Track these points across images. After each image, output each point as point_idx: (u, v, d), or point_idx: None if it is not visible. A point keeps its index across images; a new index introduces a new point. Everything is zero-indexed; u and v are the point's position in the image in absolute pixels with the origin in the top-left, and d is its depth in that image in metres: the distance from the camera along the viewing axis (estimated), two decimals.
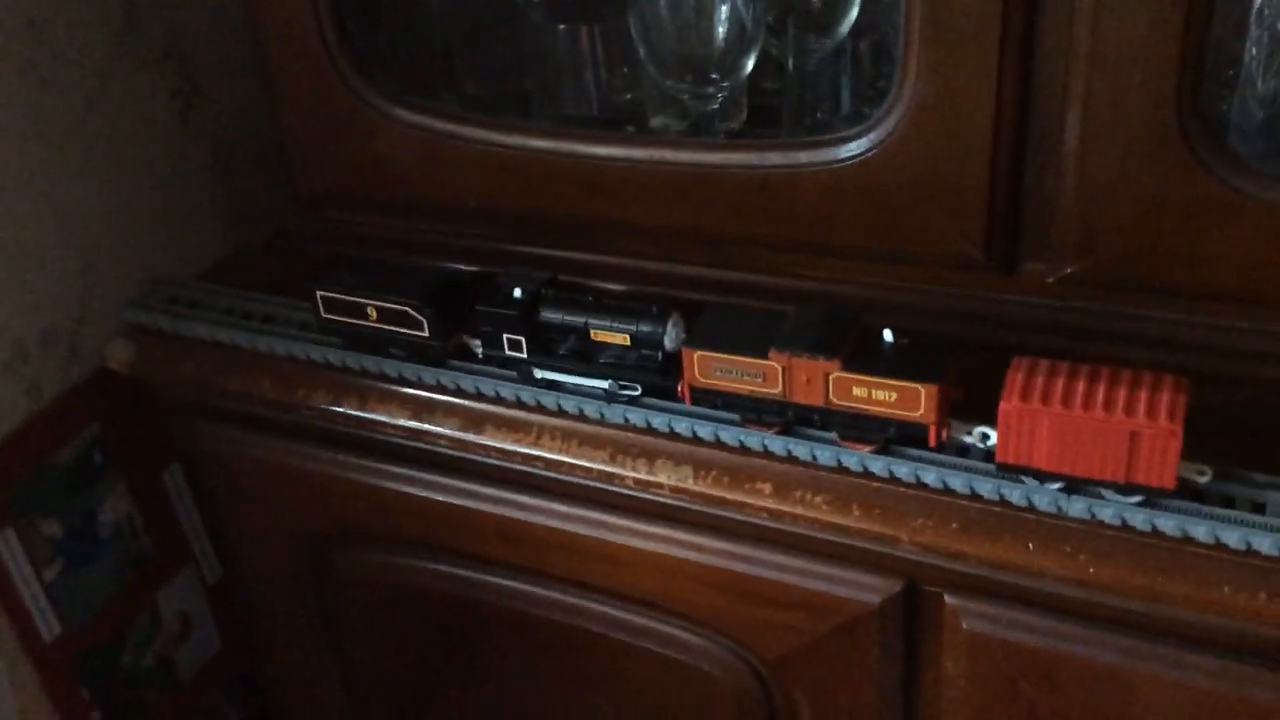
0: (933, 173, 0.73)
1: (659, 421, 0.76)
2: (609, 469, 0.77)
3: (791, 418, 0.72)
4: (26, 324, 0.99)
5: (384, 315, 0.82)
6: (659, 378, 0.76)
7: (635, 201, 0.84)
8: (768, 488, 0.72)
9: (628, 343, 0.76)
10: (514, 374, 0.81)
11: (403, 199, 0.93)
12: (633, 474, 0.76)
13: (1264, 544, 0.63)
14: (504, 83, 1.00)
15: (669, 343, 0.75)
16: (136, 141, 1.05)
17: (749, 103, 0.90)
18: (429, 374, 0.82)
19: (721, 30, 0.83)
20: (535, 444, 0.79)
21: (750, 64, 0.84)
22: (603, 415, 0.77)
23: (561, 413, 0.79)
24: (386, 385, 0.84)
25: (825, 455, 0.72)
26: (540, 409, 0.79)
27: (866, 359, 0.69)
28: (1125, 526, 0.65)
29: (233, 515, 0.99)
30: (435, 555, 0.91)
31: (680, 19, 0.82)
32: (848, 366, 0.69)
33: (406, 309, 0.81)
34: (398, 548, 0.93)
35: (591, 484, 0.79)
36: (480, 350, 0.82)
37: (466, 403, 0.81)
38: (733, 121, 0.90)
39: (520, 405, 0.80)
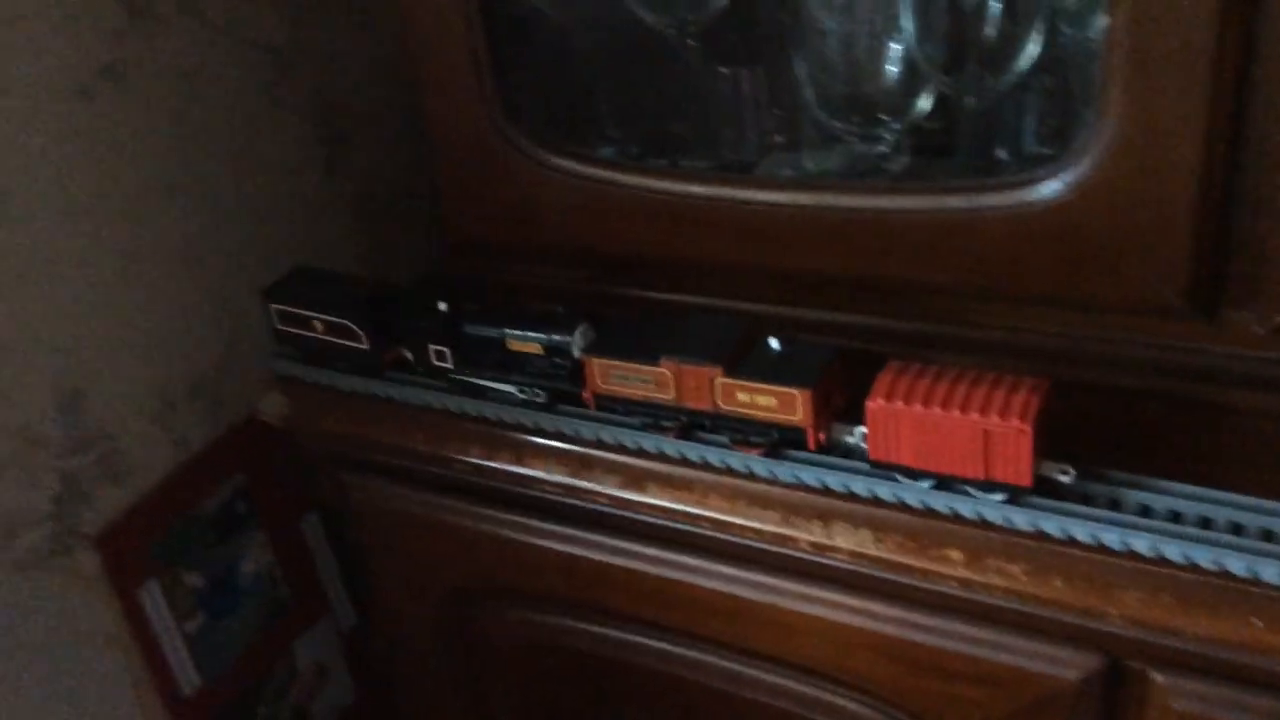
0: (1132, 215, 0.69)
1: (834, 481, 0.72)
2: (781, 531, 0.73)
3: (686, 422, 0.76)
4: (174, 376, 0.98)
5: (329, 328, 0.87)
6: (569, 385, 0.80)
7: (800, 249, 0.81)
8: (958, 555, 0.68)
9: (541, 351, 0.80)
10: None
11: (555, 246, 0.90)
12: (807, 537, 0.72)
13: None
14: (651, 127, 0.98)
15: (576, 350, 0.79)
16: (282, 190, 1.05)
17: (910, 142, 0.86)
18: (588, 428, 0.79)
19: (893, 69, 0.79)
20: (701, 503, 0.76)
21: (923, 103, 0.80)
22: (773, 474, 0.73)
23: (728, 470, 0.75)
24: (543, 440, 0.81)
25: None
26: (706, 466, 0.76)
27: (749, 366, 0.73)
28: None
29: (378, 568, 0.97)
30: (585, 614, 0.88)
31: (851, 58, 0.79)
32: (731, 373, 0.72)
33: (346, 322, 0.86)
34: (546, 605, 0.90)
35: (759, 546, 0.75)
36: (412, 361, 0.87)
37: (627, 459, 0.78)
38: (895, 163, 0.86)
39: (685, 462, 0.76)
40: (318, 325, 0.88)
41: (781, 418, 0.72)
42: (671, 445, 0.76)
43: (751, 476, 0.74)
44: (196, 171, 0.97)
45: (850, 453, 0.73)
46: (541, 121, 0.92)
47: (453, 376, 0.84)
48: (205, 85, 0.96)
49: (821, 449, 0.72)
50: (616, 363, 0.77)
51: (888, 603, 0.73)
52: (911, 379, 0.68)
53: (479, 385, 0.84)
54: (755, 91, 0.89)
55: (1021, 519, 0.66)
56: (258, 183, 1.02)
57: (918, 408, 0.67)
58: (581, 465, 0.80)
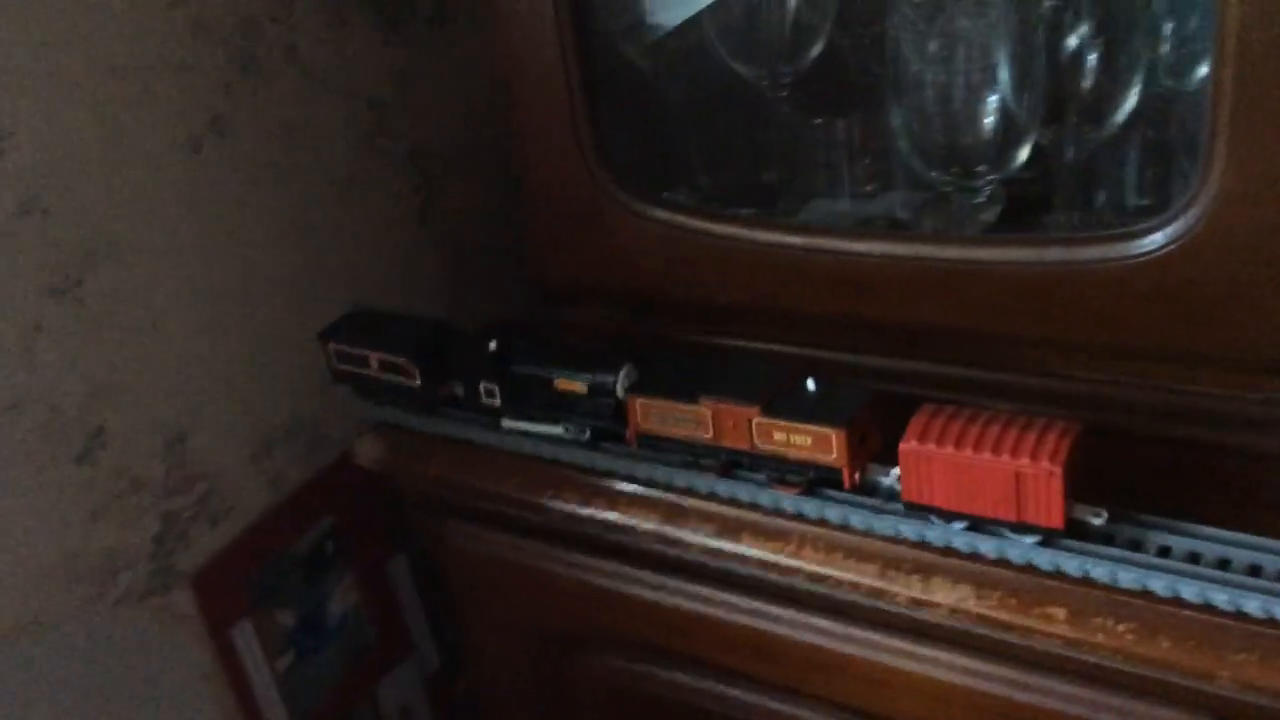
0: (1239, 269, 0.68)
1: (934, 535, 0.71)
2: (878, 584, 0.72)
3: (724, 461, 0.78)
4: (273, 417, 1.01)
5: (384, 366, 0.89)
6: (613, 424, 0.81)
7: (895, 300, 0.80)
8: (1061, 613, 0.67)
9: (586, 391, 0.81)
10: (484, 420, 0.87)
11: (645, 294, 0.91)
12: (905, 591, 0.71)
13: None
14: (741, 175, 0.99)
15: (620, 391, 0.80)
16: (378, 237, 1.07)
17: (1005, 192, 0.86)
18: (680, 477, 0.79)
19: (991, 121, 0.79)
20: (796, 555, 0.75)
21: (1022, 155, 0.80)
22: (871, 527, 0.73)
23: (824, 522, 0.75)
24: (636, 488, 0.81)
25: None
26: (800, 518, 0.75)
27: (786, 406, 0.74)
28: None
29: (470, 611, 0.98)
30: (677, 664, 0.88)
31: (948, 110, 0.79)
32: (768, 412, 0.74)
33: (400, 360, 0.87)
34: (638, 653, 0.90)
35: (857, 599, 0.74)
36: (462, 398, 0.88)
37: (721, 509, 0.78)
38: (989, 213, 0.86)
39: (779, 513, 0.76)
40: (373, 363, 0.89)
41: (817, 457, 0.73)
42: (768, 495, 0.76)
43: (846, 528, 0.74)
44: (296, 219, 1.00)
45: (886, 493, 0.74)
46: (632, 170, 0.93)
47: (498, 417, 0.86)
48: (308, 136, 0.99)
49: (856, 489, 0.73)
50: (658, 402, 0.78)
51: (989, 660, 0.72)
52: (944, 422, 0.69)
53: (529, 430, 0.85)
54: (847, 141, 0.90)
55: (1127, 577, 0.65)
56: (355, 229, 1.05)
57: (950, 450, 0.67)
58: (675, 513, 0.80)
